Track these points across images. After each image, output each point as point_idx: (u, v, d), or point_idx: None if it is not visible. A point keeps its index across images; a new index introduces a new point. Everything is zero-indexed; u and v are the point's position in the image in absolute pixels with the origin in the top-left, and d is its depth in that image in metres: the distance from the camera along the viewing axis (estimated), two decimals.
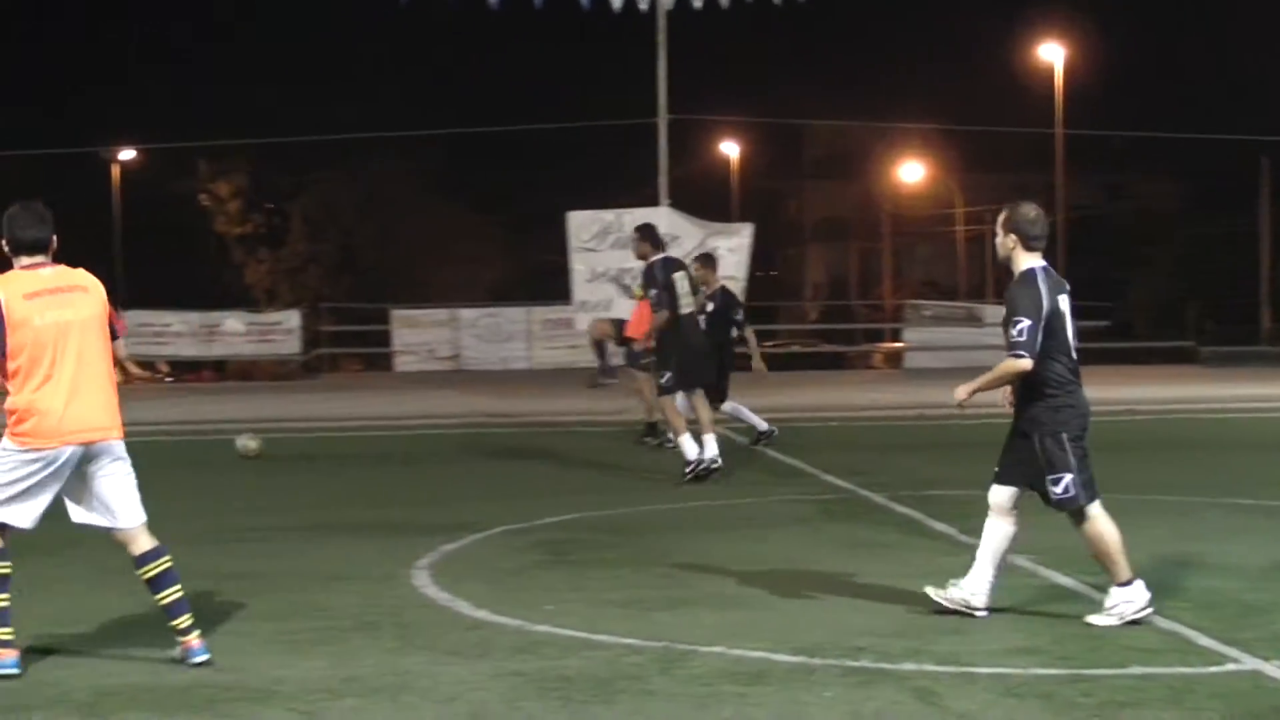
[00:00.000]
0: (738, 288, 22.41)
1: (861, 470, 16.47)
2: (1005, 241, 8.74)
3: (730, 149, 67.31)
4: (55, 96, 58.02)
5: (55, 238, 8.07)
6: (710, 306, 17.85)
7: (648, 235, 15.89)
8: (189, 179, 60.30)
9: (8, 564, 7.92)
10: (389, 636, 8.64)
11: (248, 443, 18.52)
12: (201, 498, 15.09)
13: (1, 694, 7.44)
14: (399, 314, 39.48)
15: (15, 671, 7.70)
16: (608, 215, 26.31)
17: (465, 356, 38.41)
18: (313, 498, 15.19)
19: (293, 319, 38.97)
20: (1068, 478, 8.53)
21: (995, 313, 36.58)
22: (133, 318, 38.18)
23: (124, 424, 8.12)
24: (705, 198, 49.53)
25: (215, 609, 9.38)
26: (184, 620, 8.02)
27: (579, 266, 26.09)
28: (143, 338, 38.10)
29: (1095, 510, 8.67)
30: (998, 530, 8.78)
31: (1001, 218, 8.81)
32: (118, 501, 8.04)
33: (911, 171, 65.40)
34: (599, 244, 25.77)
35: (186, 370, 45.01)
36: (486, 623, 8.96)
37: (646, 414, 19.45)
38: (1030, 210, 8.75)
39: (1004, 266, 8.99)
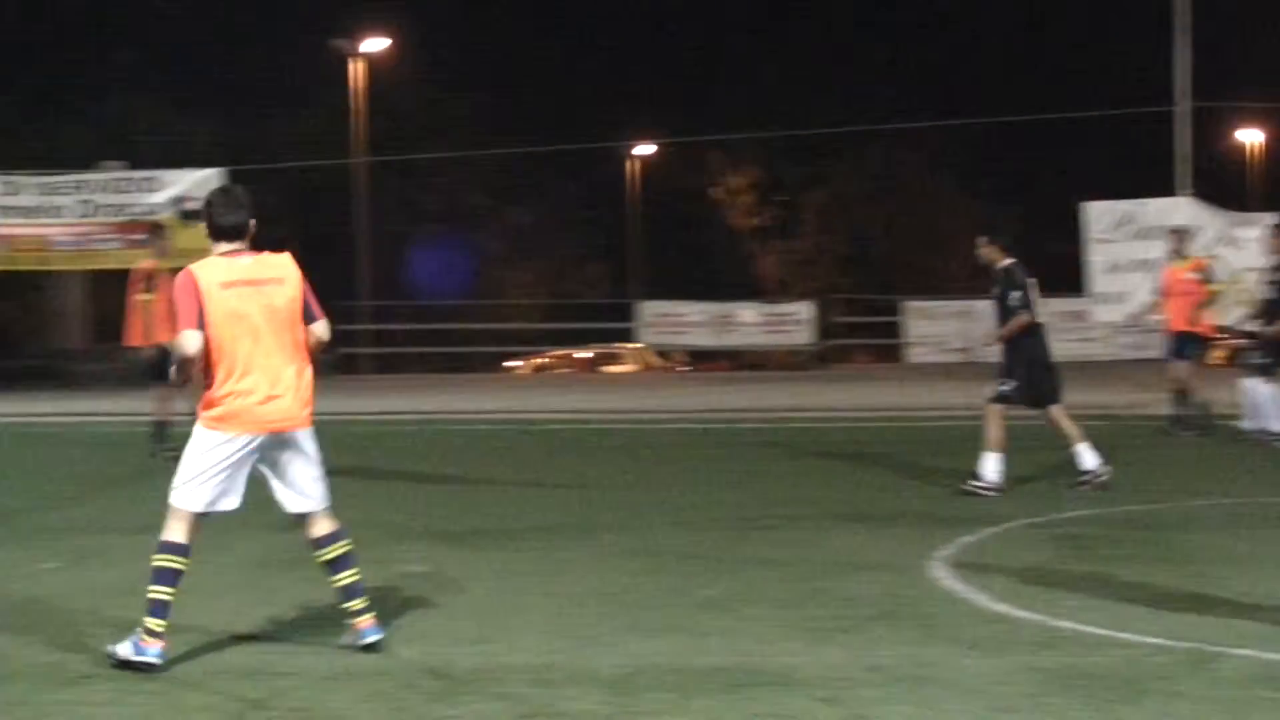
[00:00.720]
0: (1254, 279, 21.43)
1: None
2: None
3: (1250, 135, 64.40)
4: (573, 93, 59.93)
5: (254, 223, 8.11)
6: None
7: (995, 239, 14.86)
8: (702, 173, 61.57)
9: (185, 561, 8.01)
10: (909, 627, 8.57)
11: None
12: (721, 486, 15.35)
13: (537, 670, 7.67)
14: (912, 305, 39.28)
15: (157, 661, 7.71)
16: (1126, 205, 25.65)
17: (977, 349, 37.93)
18: (827, 486, 15.24)
19: (806, 310, 39.24)
20: None
21: None
22: (652, 308, 39.18)
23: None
24: (1221, 187, 47.63)
25: (737, 594, 9.50)
26: (358, 603, 8.09)
27: (1096, 258, 25.50)
28: (661, 328, 39.00)
29: None
30: None
31: None
32: (304, 485, 8.13)
33: None
34: (1117, 235, 25.13)
35: (702, 360, 45.98)
36: (1008, 617, 8.79)
37: (1178, 404, 19.08)
38: None
39: None
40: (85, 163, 33.56)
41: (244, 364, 7.89)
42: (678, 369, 46.46)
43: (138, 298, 17.77)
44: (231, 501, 8.08)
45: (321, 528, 8.19)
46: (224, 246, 8.02)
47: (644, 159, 63.06)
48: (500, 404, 27.25)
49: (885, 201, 62.42)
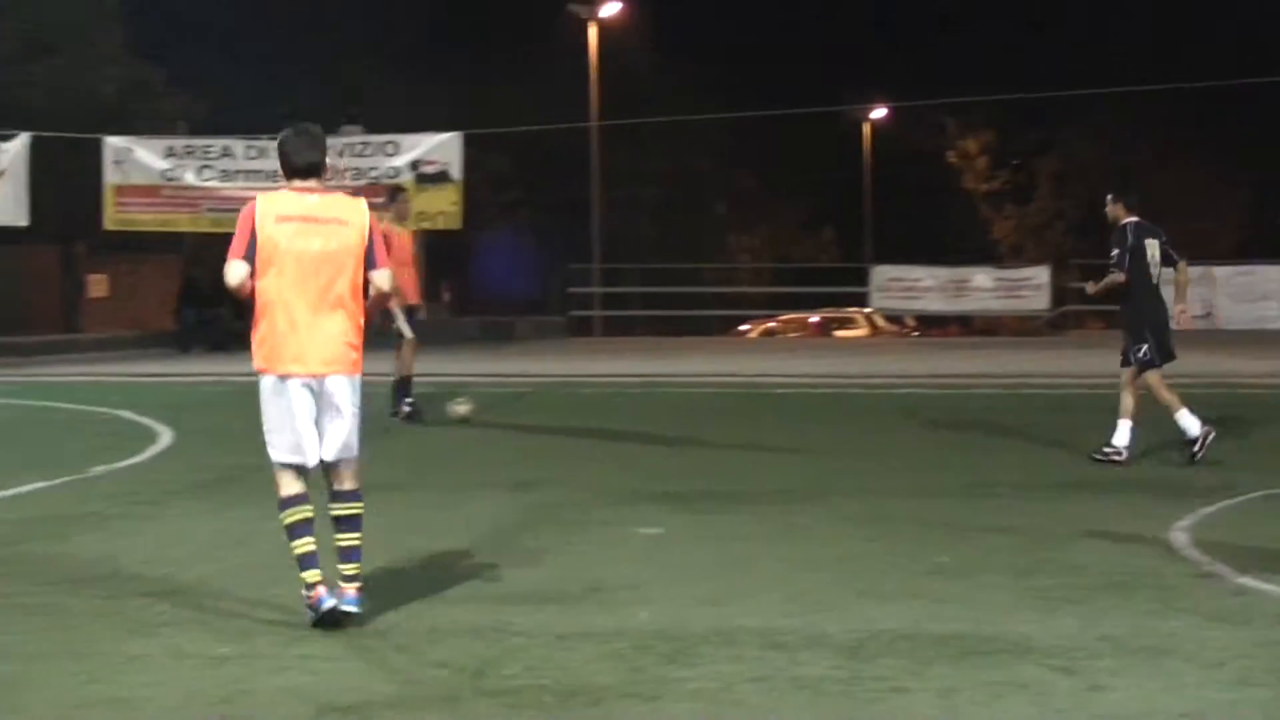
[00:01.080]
0: None
1: None
2: None
3: None
4: (810, 56, 59.64)
5: (329, 162, 7.99)
6: None
7: (1120, 197, 14.65)
8: (937, 137, 60.97)
9: (305, 508, 7.94)
10: (1145, 598, 8.41)
11: (456, 408, 17.91)
12: (951, 452, 15.23)
13: (771, 633, 7.68)
14: None
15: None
16: None
17: (1217, 315, 37.08)
18: (1058, 453, 15.00)
19: (1042, 275, 38.68)
20: None
21: None
22: (884, 273, 38.93)
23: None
24: None
25: (969, 561, 9.42)
26: (352, 568, 7.94)
27: None
28: (892, 292, 38.76)
29: None
30: None
31: None
32: (335, 435, 7.92)
33: None
34: None
35: (933, 325, 45.57)
36: (1250, 589, 8.59)
37: None
38: None
39: None
40: (326, 127, 34.29)
41: (288, 301, 7.81)
42: (908, 334, 46.11)
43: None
44: (312, 452, 7.95)
45: (344, 481, 8.03)
46: (297, 184, 7.96)
47: (875, 122, 62.61)
48: (729, 367, 27.28)
49: (1119, 165, 61.21)
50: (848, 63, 57.68)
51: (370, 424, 17.43)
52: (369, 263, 7.95)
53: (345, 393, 7.93)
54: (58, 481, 13.37)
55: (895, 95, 54.15)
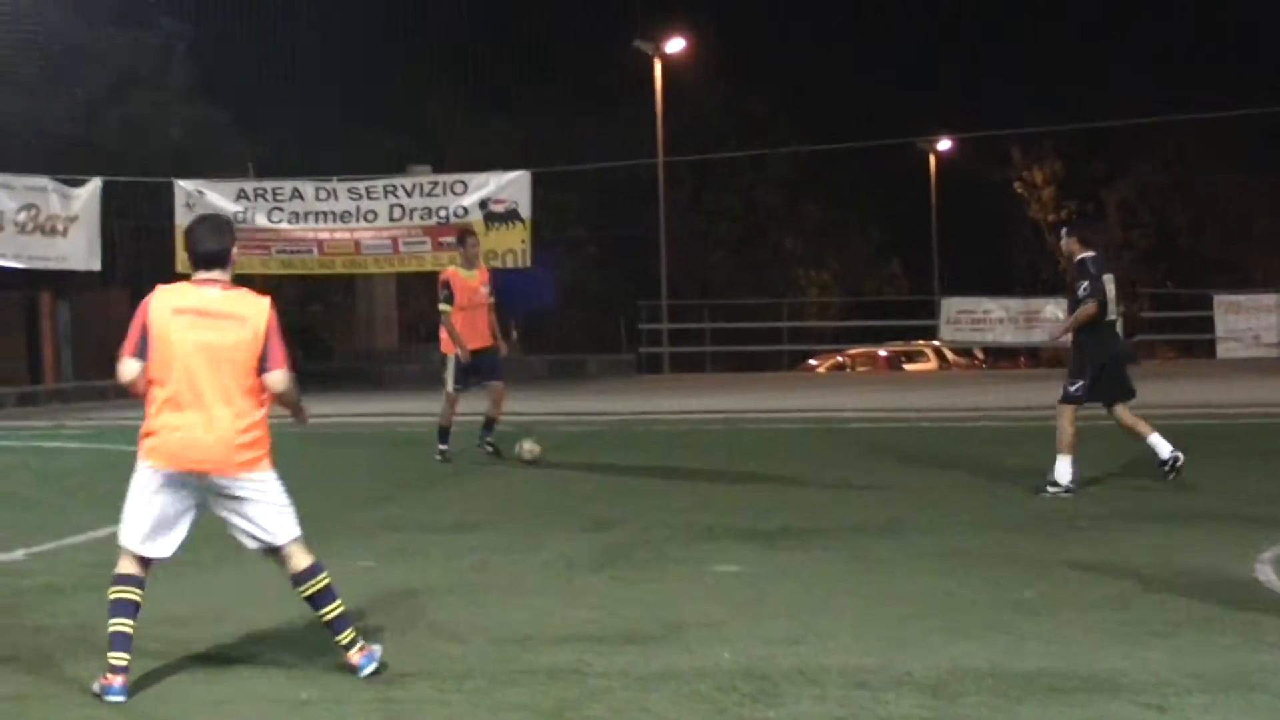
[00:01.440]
0: None
1: None
2: None
3: None
4: (876, 88, 59.60)
5: (235, 252, 7.81)
6: None
7: (1075, 232, 14.87)
8: (1003, 167, 60.76)
9: (134, 591, 7.70)
10: (1233, 632, 8.28)
11: (524, 449, 17.67)
12: (1027, 485, 15.07)
13: (853, 671, 7.60)
14: (1222, 299, 38.20)
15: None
16: None
17: None
18: (1137, 486, 14.83)
19: None
20: None
21: None
22: (952, 305, 38.74)
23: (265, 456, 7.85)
24: None
25: (1052, 596, 9.31)
26: (346, 636, 7.76)
27: None
28: (962, 325, 38.57)
29: None
30: None
31: None
32: (251, 525, 7.76)
33: None
34: None
35: (1001, 357, 45.32)
36: None
37: None
38: None
39: None
40: (394, 168, 34.45)
41: (177, 396, 7.58)
42: (978, 366, 45.88)
43: (440, 306, 17.97)
44: (165, 545, 7.74)
45: (296, 562, 7.82)
46: (200, 274, 7.76)
47: (941, 154, 62.46)
48: (801, 402, 27.17)
49: (1191, 194, 60.79)
50: (914, 94, 57.63)
51: (445, 466, 17.56)
52: (264, 363, 7.68)
53: (251, 487, 7.73)
54: None
55: (961, 126, 54.02)
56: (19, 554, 11.43)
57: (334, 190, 29.76)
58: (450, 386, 17.82)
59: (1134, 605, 9.03)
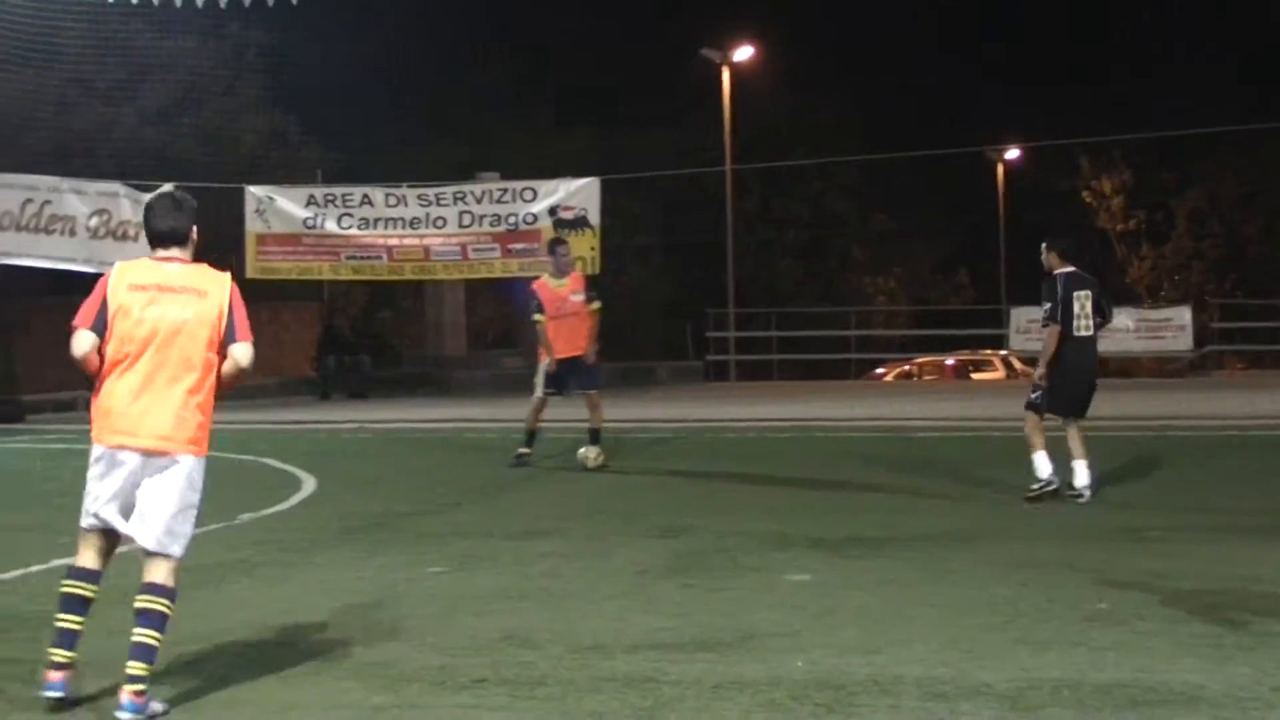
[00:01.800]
0: None
1: None
2: None
3: None
4: (944, 96, 59.37)
5: (194, 229, 7.60)
6: None
7: (1054, 245, 14.88)
8: (1071, 176, 60.40)
9: (90, 587, 7.45)
10: None
11: (588, 455, 17.74)
12: (1099, 495, 14.97)
13: (929, 682, 7.55)
14: None
15: (59, 695, 7.28)
16: None
17: None
18: (1213, 496, 14.70)
19: (1184, 315, 38.07)
20: None
21: None
22: (1022, 314, 38.48)
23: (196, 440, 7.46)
24: None
25: (1128, 607, 9.21)
26: (137, 668, 7.18)
27: None
28: (1032, 334, 38.28)
29: None
30: None
31: None
32: (155, 520, 7.36)
33: None
34: None
35: None
36: None
37: None
38: None
39: None
40: (463, 174, 34.55)
41: (129, 372, 7.39)
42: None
43: (533, 317, 18.07)
44: (119, 522, 7.41)
45: (157, 573, 7.38)
46: (159, 252, 7.58)
47: (1010, 163, 62.16)
48: (869, 411, 27.07)
49: (1262, 203, 60.24)
50: (982, 103, 57.29)
51: (515, 472, 17.60)
52: (228, 336, 7.47)
53: (177, 475, 7.40)
54: (206, 529, 13.45)
55: (1029, 135, 53.68)
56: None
57: (403, 197, 29.86)
58: (539, 391, 17.92)
59: (1209, 618, 8.91)
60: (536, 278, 18.75)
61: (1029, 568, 10.73)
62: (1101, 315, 14.74)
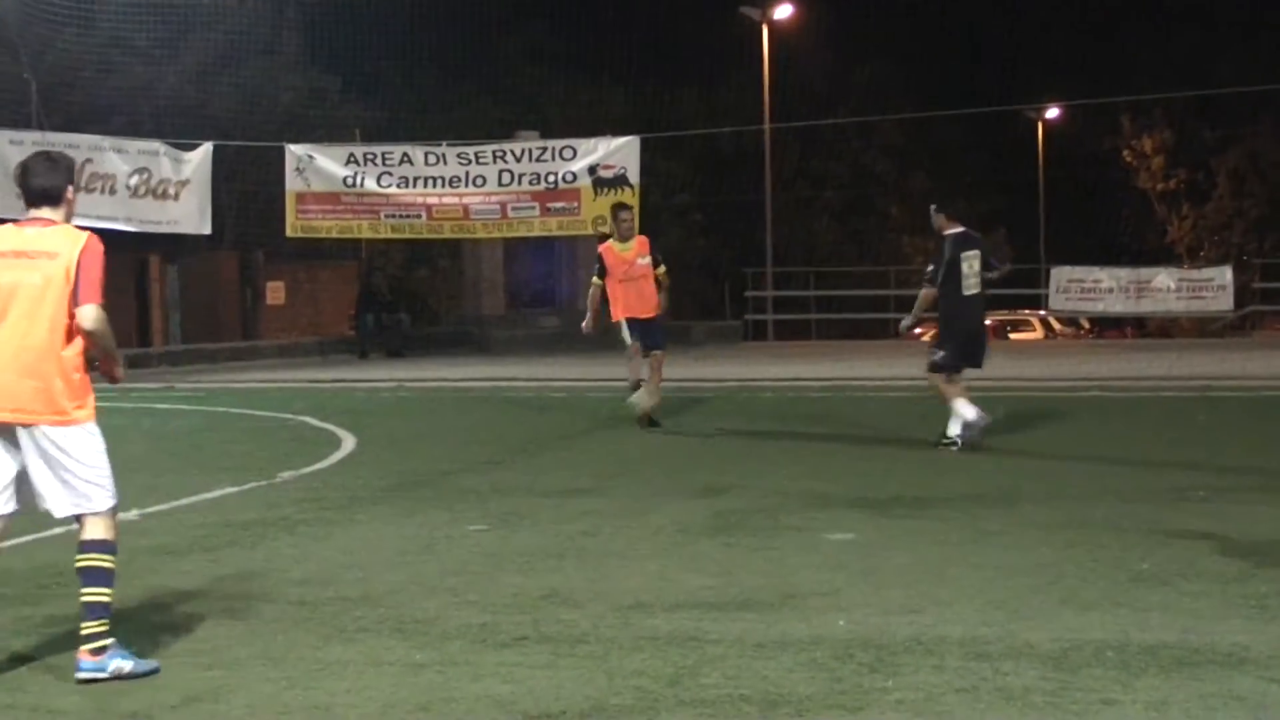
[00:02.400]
0: None
1: None
2: None
3: None
4: (985, 55, 58.98)
5: (70, 188, 7.38)
6: None
7: (943, 208, 15.68)
8: (1112, 135, 60.03)
9: None
10: None
11: (645, 398, 17.84)
12: (1143, 454, 14.89)
13: (972, 642, 7.51)
14: None
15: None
16: None
17: None
18: (1256, 455, 14.61)
19: (1225, 275, 37.82)
20: None
21: None
22: (1063, 274, 38.29)
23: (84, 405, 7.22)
24: None
25: (1173, 567, 9.15)
26: (92, 626, 7.12)
27: None
28: (1072, 294, 38.14)
29: None
30: None
31: None
32: (54, 489, 7.18)
33: None
34: None
35: (1108, 327, 44.82)
36: None
37: None
38: None
39: None
40: (503, 133, 34.49)
41: None
42: (1084, 336, 45.41)
43: (594, 280, 18.16)
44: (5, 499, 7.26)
45: (90, 530, 7.23)
46: (31, 212, 7.34)
47: (1050, 122, 61.82)
48: (906, 370, 26.92)
49: None
50: (1027, 61, 56.85)
51: (553, 431, 17.60)
52: (75, 298, 7.12)
53: (60, 442, 7.14)
54: (247, 487, 13.53)
55: (1069, 94, 53.32)
56: (133, 514, 11.51)
57: (443, 155, 29.78)
58: (629, 340, 17.92)
59: (1255, 578, 8.85)
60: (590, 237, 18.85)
61: (1072, 529, 10.67)
62: (989, 269, 15.59)
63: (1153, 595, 8.47)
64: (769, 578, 9.10)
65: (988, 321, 16.80)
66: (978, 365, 15.64)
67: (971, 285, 15.36)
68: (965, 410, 15.24)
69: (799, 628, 7.85)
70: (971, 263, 15.33)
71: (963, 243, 15.39)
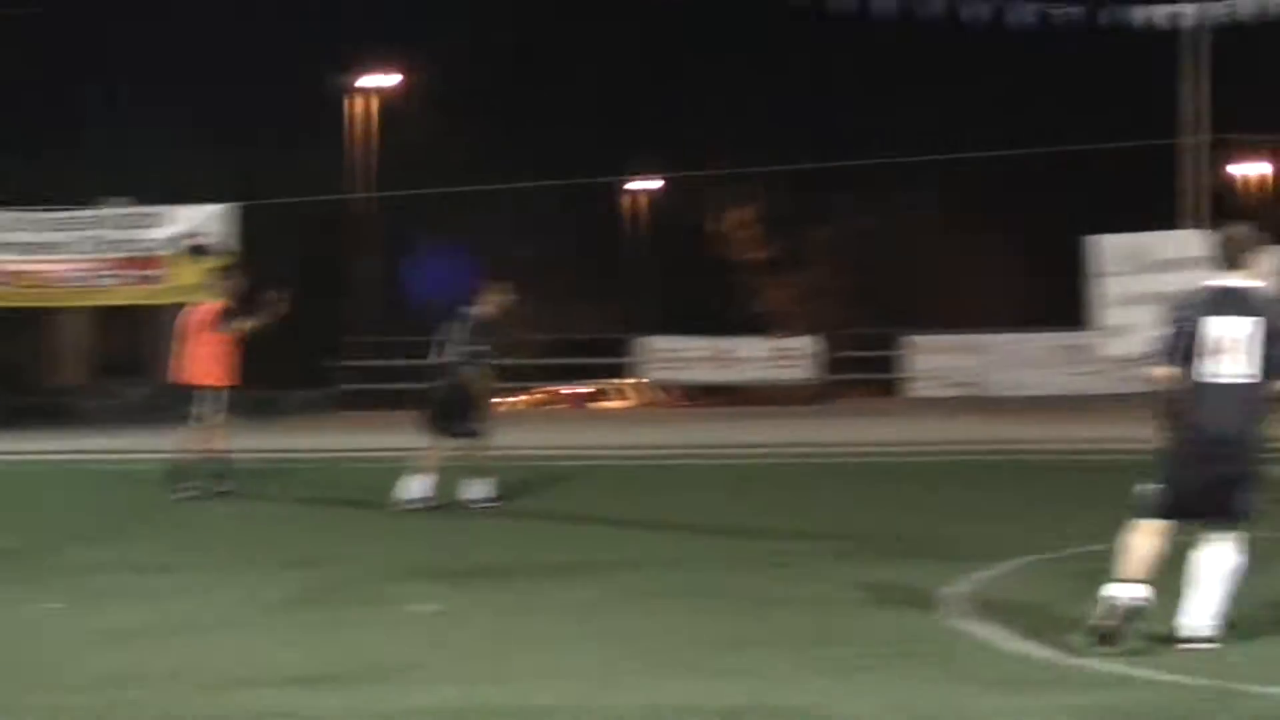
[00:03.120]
0: None
1: None
2: None
3: (1255, 168, 63.88)
4: (574, 131, 59.94)
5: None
6: None
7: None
8: (704, 207, 61.56)
9: None
10: (929, 665, 8.46)
11: None
12: (727, 522, 15.23)
13: (583, 712, 7.56)
14: (914, 339, 39.23)
15: None
16: (1136, 239, 26.12)
17: (983, 384, 37.77)
18: (833, 522, 15.10)
19: (808, 344, 39.10)
20: None
21: None
22: (653, 344, 38.99)
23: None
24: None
25: (753, 632, 9.39)
26: None
27: (1106, 291, 25.88)
28: (663, 364, 38.87)
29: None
30: None
31: None
32: None
33: None
34: (1129, 268, 25.58)
35: (701, 395, 45.81)
36: (1026, 655, 8.70)
37: None
38: None
39: None
40: (85, 199, 33.55)
41: None
42: (677, 404, 46.30)
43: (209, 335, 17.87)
44: None
45: None
46: None
47: (646, 194, 63.19)
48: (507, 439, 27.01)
49: (897, 238, 62.15)
50: (621, 135, 57.91)
51: (141, 504, 17.09)
52: None
53: None
54: None
55: (667, 166, 54.56)
56: None
57: (24, 221, 28.82)
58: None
59: (835, 639, 9.15)
60: (175, 305, 18.61)
61: (657, 597, 10.82)
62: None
63: (733, 659, 8.65)
64: (355, 651, 9.01)
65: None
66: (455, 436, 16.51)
67: (444, 354, 16.67)
68: (417, 486, 16.28)
69: (386, 701, 7.79)
70: (459, 332, 16.57)
71: (463, 317, 16.64)
